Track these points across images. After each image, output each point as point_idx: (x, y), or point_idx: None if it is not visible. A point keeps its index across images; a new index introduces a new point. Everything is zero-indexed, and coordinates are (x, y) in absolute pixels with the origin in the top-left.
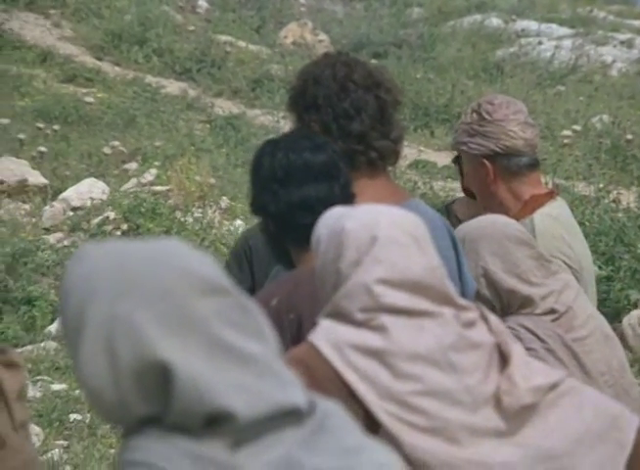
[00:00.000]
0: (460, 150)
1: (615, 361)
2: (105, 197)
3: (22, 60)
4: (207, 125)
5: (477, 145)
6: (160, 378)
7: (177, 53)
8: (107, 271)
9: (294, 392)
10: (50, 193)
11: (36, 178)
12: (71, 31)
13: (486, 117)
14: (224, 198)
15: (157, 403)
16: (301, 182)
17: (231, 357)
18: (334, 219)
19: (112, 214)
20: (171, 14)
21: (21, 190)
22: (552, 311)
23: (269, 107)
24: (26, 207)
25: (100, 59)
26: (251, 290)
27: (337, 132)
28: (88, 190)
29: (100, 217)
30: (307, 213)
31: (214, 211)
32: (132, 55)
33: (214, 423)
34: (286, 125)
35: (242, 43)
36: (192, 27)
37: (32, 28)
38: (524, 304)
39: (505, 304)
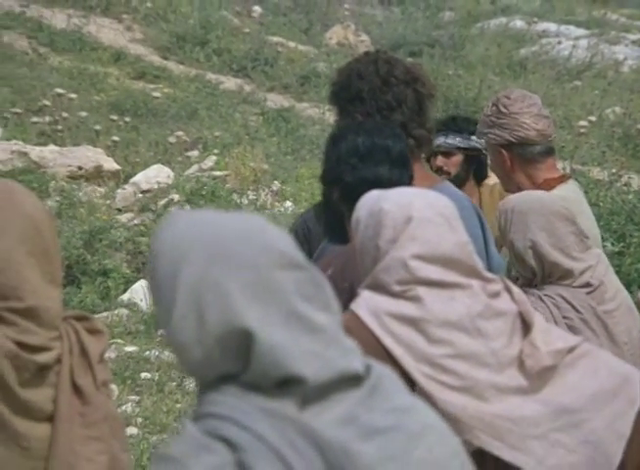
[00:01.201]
0: (483, 138)
1: (635, 331)
2: (170, 181)
3: (98, 59)
4: (261, 117)
5: (494, 135)
6: (241, 342)
7: (234, 52)
8: (200, 238)
9: (354, 359)
10: (122, 177)
11: (110, 164)
12: (141, 34)
13: (503, 110)
14: (275, 182)
15: (236, 364)
16: (379, 163)
17: (304, 327)
18: (372, 201)
19: (176, 197)
20: (229, 18)
21: (97, 175)
22: (587, 285)
23: (316, 100)
24: (102, 190)
25: (166, 58)
26: None
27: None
28: (155, 175)
29: (165, 199)
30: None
31: (267, 194)
32: (194, 54)
33: (285, 384)
34: (330, 117)
35: (291, 44)
36: (247, 30)
37: (107, 32)
38: (563, 276)
39: (546, 274)
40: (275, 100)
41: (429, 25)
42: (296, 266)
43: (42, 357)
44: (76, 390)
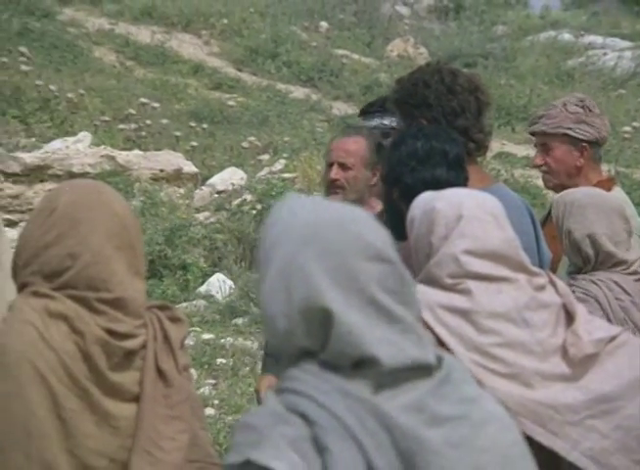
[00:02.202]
0: (561, 133)
1: None
2: (243, 182)
3: (179, 72)
4: (326, 124)
5: (582, 131)
6: (322, 321)
7: (302, 64)
8: (298, 221)
9: (428, 350)
10: (200, 179)
11: (189, 167)
12: (218, 48)
13: (593, 110)
14: None
15: (316, 340)
16: (436, 165)
17: (382, 316)
18: (426, 201)
19: (248, 197)
20: (298, 33)
21: (177, 177)
22: (635, 273)
23: None
24: (181, 191)
25: (240, 70)
26: None
27: (445, 126)
28: (230, 177)
29: (239, 199)
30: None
31: None
32: (266, 66)
33: (361, 366)
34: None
35: (355, 56)
36: (315, 43)
37: (187, 46)
38: (616, 264)
39: (599, 262)
40: (340, 108)
41: (483, 39)
42: (382, 260)
43: (129, 344)
44: (160, 373)
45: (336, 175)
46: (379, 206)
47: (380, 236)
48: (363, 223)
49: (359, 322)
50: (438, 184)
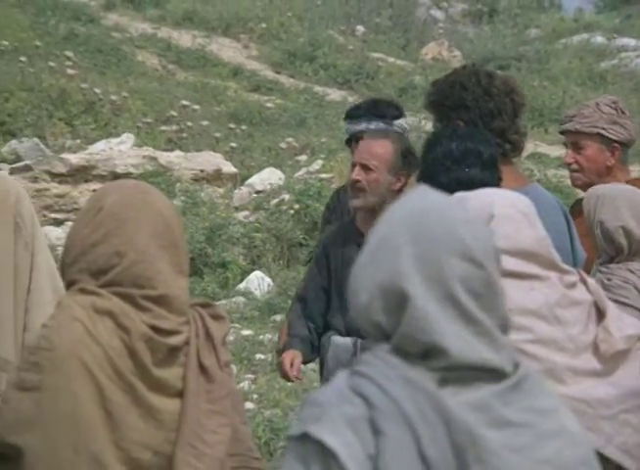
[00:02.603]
0: (595, 133)
1: None
2: (281, 182)
3: (218, 74)
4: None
5: (615, 132)
6: (399, 301)
7: (339, 67)
8: (405, 208)
9: (502, 356)
10: (239, 179)
11: (228, 168)
12: (257, 51)
13: (624, 111)
14: None
15: (390, 319)
16: (471, 165)
17: (459, 314)
18: (458, 200)
19: (286, 196)
20: (335, 36)
21: (217, 177)
22: None
23: (412, 110)
24: (221, 190)
25: (278, 73)
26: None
27: (482, 128)
28: (268, 177)
29: (277, 199)
30: (468, 191)
31: None
32: (304, 69)
33: (430, 356)
34: (426, 125)
35: (391, 59)
36: (351, 47)
37: (227, 50)
38: None
39: (633, 252)
40: None
41: (516, 42)
42: (472, 261)
43: (173, 340)
44: (202, 369)
45: (357, 176)
46: None
47: (479, 239)
48: (466, 223)
49: (434, 311)
50: (472, 184)
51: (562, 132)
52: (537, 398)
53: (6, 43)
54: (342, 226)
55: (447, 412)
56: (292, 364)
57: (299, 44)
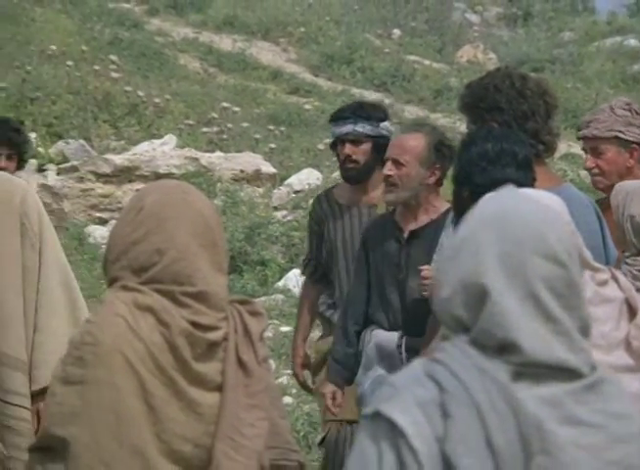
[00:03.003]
0: (612, 136)
1: None
2: (319, 182)
3: (258, 77)
4: (398, 126)
5: (631, 133)
6: (479, 297)
7: (376, 70)
8: (491, 206)
9: (579, 357)
10: (278, 180)
11: (268, 168)
12: (295, 55)
13: (639, 112)
14: None
15: (470, 314)
16: (506, 166)
17: (539, 312)
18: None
19: None
20: (372, 39)
21: (256, 177)
22: None
23: (448, 111)
24: (260, 190)
25: (316, 75)
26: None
27: (516, 129)
28: (306, 177)
29: None
30: None
31: None
32: (341, 72)
33: (505, 351)
34: (461, 126)
35: (427, 62)
36: (387, 50)
37: (267, 53)
38: None
39: None
40: (411, 111)
41: (550, 44)
42: (556, 261)
43: (212, 335)
44: (241, 364)
45: (389, 171)
46: (444, 205)
47: (562, 240)
48: (550, 224)
49: (513, 309)
50: (507, 184)
51: (580, 138)
52: (613, 402)
53: (53, 48)
54: (381, 221)
55: (517, 404)
56: (333, 398)
57: (337, 47)
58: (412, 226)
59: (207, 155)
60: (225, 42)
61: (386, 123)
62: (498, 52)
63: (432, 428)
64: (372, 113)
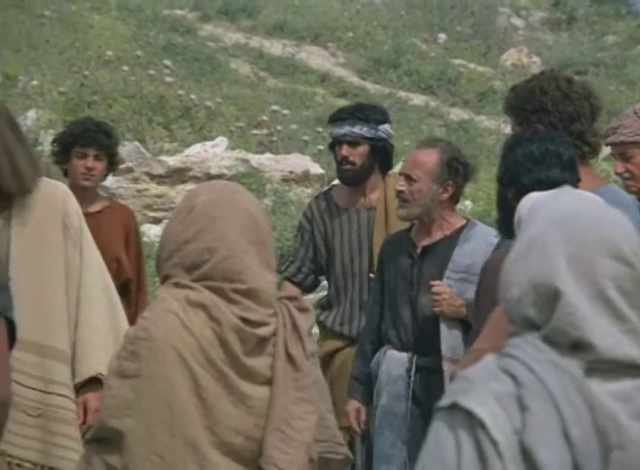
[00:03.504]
0: (639, 141)
1: None
2: None
3: (307, 81)
4: (444, 128)
5: None
6: (550, 297)
7: (422, 73)
8: (558, 208)
9: None
10: (326, 180)
11: (316, 169)
12: (344, 59)
13: None
14: None
15: (541, 314)
16: (551, 166)
17: (609, 311)
18: (532, 201)
19: None
20: (418, 44)
21: (305, 178)
22: None
23: (492, 114)
24: (309, 191)
25: (364, 79)
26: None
27: (562, 131)
28: None
29: None
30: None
31: None
32: (388, 75)
33: (577, 348)
34: (505, 128)
35: (472, 65)
36: (433, 54)
37: (315, 58)
38: None
39: None
40: (456, 114)
41: (593, 48)
42: (624, 261)
43: (262, 331)
44: (290, 358)
45: (400, 187)
46: (458, 222)
47: (628, 240)
48: (617, 225)
49: (585, 308)
50: (553, 185)
51: (608, 144)
52: None
53: (110, 53)
54: (397, 237)
55: (592, 398)
56: (357, 414)
57: (384, 52)
58: (425, 242)
59: (257, 156)
60: (275, 47)
61: (385, 126)
62: (542, 55)
63: (509, 420)
64: (370, 114)
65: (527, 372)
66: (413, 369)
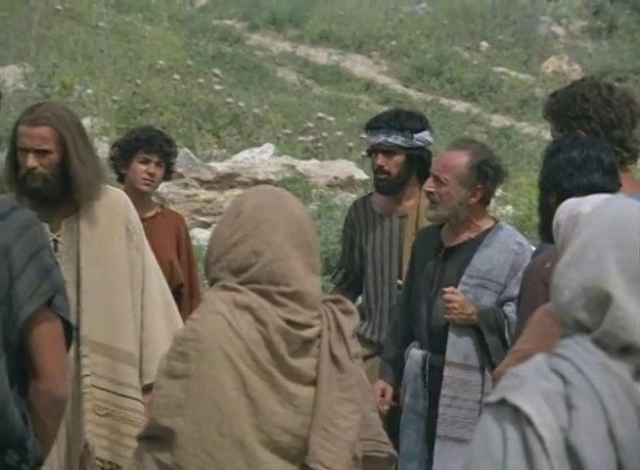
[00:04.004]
0: None
1: None
2: None
3: (352, 89)
4: (486, 135)
5: None
6: (601, 301)
7: (464, 81)
8: (608, 214)
9: None
10: (370, 185)
11: (360, 175)
12: (387, 67)
13: None
14: (498, 189)
15: (592, 317)
16: (593, 172)
17: None
18: (571, 206)
19: None
20: (460, 52)
21: (349, 183)
22: None
23: (533, 120)
24: (353, 195)
25: (407, 86)
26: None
27: (603, 137)
28: None
29: None
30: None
31: None
32: (431, 83)
33: (628, 352)
34: (546, 134)
35: (513, 73)
36: (475, 62)
37: (360, 66)
38: None
39: None
40: (498, 120)
41: (634, 56)
42: None
43: (307, 333)
44: (334, 360)
45: (429, 188)
46: (486, 224)
47: None
48: None
49: (635, 313)
50: (594, 190)
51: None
52: None
53: (162, 63)
54: (428, 232)
55: (639, 400)
56: (382, 395)
57: (427, 60)
58: (450, 243)
59: (303, 162)
60: (321, 55)
61: (422, 134)
62: (582, 63)
63: (556, 418)
64: (406, 123)
65: (576, 372)
66: (427, 368)
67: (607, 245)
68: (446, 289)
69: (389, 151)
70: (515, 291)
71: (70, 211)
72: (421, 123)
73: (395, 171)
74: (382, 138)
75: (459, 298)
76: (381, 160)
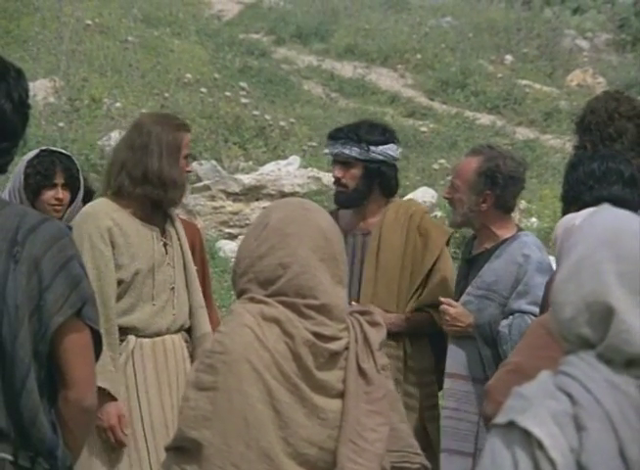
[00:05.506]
0: None
1: None
2: (434, 200)
3: (377, 101)
4: (510, 147)
5: None
6: (604, 315)
7: (489, 94)
8: (602, 227)
9: None
10: (395, 197)
11: None
12: (412, 80)
13: None
14: (522, 201)
15: (595, 332)
16: (613, 184)
17: None
18: (567, 219)
19: (438, 214)
20: (485, 65)
21: None
22: None
23: (557, 133)
24: None
25: (432, 99)
26: None
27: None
28: (422, 195)
29: (430, 216)
30: None
31: (515, 212)
32: (455, 96)
33: (633, 365)
34: (570, 147)
35: (537, 85)
36: (500, 75)
37: (385, 79)
38: None
39: None
40: (522, 133)
41: None
42: None
43: (334, 345)
44: (361, 372)
45: (447, 194)
46: (504, 234)
47: None
48: None
49: (639, 325)
50: (615, 202)
51: None
52: None
53: (189, 76)
54: (466, 245)
55: None
56: None
57: (452, 73)
58: (475, 251)
59: (329, 174)
60: (346, 69)
61: (383, 147)
62: (607, 76)
63: (566, 439)
64: (365, 135)
65: (584, 391)
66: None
67: (604, 257)
68: (442, 300)
69: (346, 162)
70: (514, 305)
71: (166, 217)
72: (384, 137)
73: (353, 184)
74: (338, 148)
75: (453, 310)
76: (337, 171)
